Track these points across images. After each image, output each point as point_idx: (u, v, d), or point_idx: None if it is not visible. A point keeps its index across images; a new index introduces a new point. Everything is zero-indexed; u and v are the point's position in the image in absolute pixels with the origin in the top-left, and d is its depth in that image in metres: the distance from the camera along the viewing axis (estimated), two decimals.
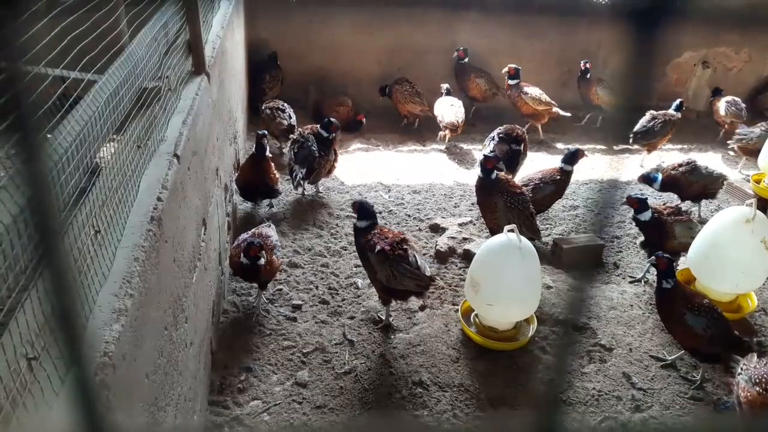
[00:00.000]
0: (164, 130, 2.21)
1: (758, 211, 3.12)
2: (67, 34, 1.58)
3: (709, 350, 2.77)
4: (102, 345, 1.22)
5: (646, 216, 3.35)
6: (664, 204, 3.53)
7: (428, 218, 4.09)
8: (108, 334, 1.25)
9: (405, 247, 2.87)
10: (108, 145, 1.83)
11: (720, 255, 3.17)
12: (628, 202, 3.39)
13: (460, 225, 3.99)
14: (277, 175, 3.92)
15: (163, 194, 1.85)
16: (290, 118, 4.63)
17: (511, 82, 5.16)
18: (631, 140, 4.87)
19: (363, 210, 2.97)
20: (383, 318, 3.08)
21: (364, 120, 5.23)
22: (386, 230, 3.01)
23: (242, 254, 2.90)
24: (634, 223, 3.50)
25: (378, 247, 2.84)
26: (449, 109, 4.96)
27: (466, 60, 5.41)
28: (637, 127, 4.85)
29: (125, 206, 1.70)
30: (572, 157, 3.86)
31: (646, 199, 3.40)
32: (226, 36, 3.69)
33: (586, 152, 3.94)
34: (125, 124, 1.97)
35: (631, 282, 3.56)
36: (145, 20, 2.27)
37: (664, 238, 3.36)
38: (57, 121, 1.45)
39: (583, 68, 5.33)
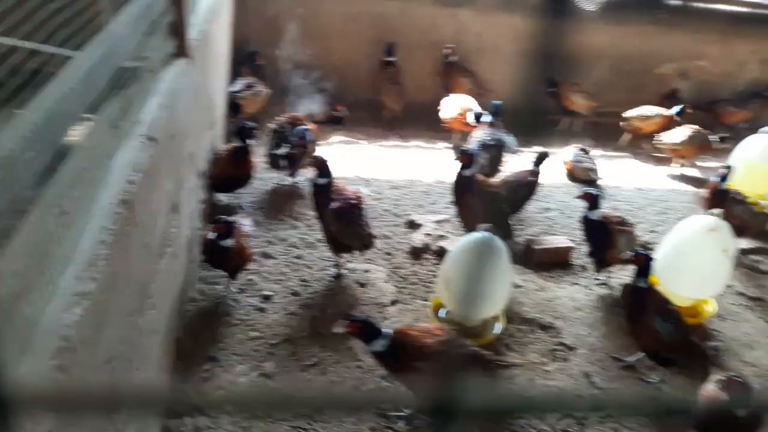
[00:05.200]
0: (140, 112, 2.18)
1: (722, 221, 3.23)
2: (45, 6, 1.55)
3: (669, 355, 2.85)
4: (61, 329, 1.21)
5: (596, 215, 3.40)
6: (610, 211, 3.58)
7: (405, 214, 4.11)
8: (68, 318, 1.24)
9: (360, 205, 3.20)
10: (81, 123, 1.80)
11: (683, 261, 3.27)
12: (584, 197, 3.42)
13: (436, 222, 4.02)
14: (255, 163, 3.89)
15: (135, 177, 1.83)
16: (248, 91, 4.55)
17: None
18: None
19: (325, 168, 3.23)
20: (335, 270, 3.41)
21: (343, 109, 4.78)
22: (341, 187, 3.26)
23: (212, 230, 2.90)
24: (582, 225, 3.51)
25: (333, 205, 3.16)
26: None
27: (455, 59, 5.41)
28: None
29: (95, 187, 1.68)
30: (540, 160, 3.99)
31: (599, 196, 3.46)
32: (212, 20, 3.64)
33: (548, 154, 4.07)
34: (100, 103, 1.94)
35: (597, 284, 3.64)
36: None
37: (608, 246, 3.39)
38: (27, 96, 1.43)
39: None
